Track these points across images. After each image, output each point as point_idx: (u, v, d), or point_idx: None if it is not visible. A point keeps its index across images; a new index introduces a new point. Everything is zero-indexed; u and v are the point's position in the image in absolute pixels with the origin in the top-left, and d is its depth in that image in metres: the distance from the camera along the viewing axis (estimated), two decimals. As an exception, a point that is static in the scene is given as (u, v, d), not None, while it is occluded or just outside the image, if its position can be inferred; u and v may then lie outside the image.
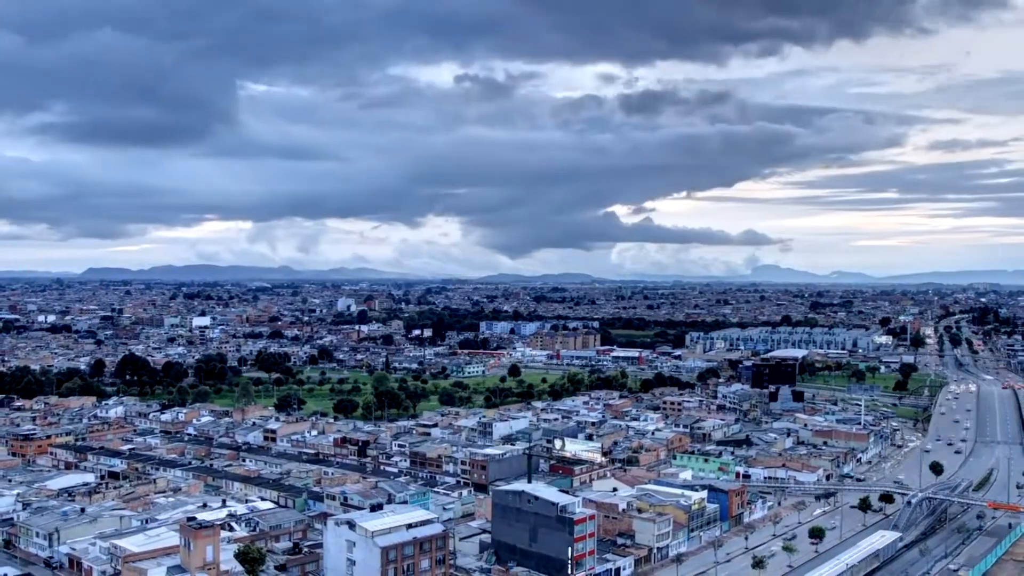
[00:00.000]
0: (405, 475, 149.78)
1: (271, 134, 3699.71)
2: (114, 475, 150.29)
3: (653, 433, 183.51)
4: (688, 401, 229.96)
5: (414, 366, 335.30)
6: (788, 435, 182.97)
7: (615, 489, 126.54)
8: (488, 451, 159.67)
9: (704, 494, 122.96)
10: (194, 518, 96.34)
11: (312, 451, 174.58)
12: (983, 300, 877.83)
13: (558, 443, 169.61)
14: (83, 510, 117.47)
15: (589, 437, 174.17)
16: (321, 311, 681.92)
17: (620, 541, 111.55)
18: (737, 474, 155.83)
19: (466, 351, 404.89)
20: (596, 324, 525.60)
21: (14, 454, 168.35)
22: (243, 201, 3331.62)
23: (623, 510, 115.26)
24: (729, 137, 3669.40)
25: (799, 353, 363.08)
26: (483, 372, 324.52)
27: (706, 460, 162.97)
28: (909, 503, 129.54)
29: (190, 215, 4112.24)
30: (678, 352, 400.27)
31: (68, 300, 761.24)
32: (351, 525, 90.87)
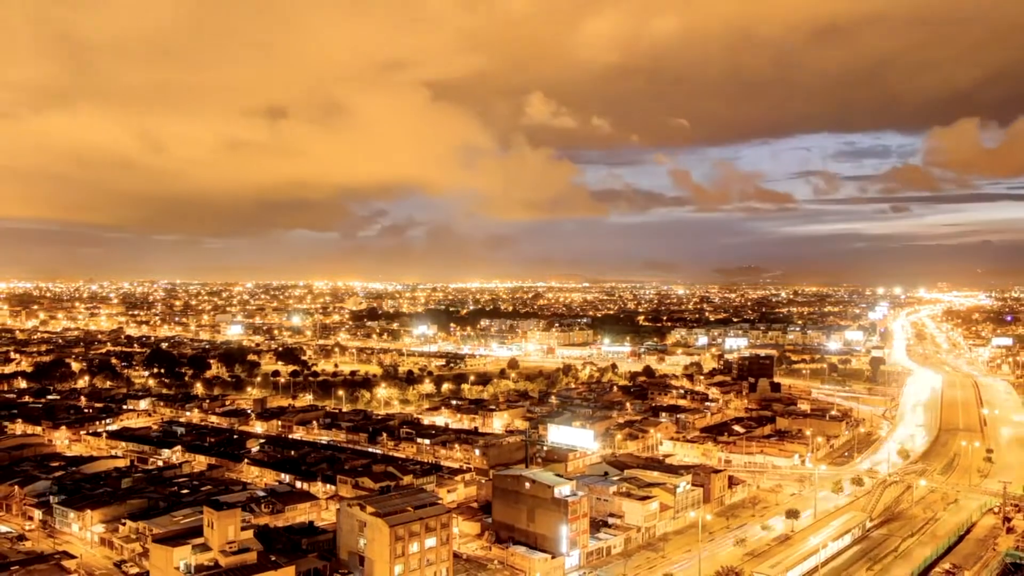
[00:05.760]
0: (412, 460, 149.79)
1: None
2: (143, 460, 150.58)
3: (641, 421, 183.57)
4: (673, 392, 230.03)
5: (420, 359, 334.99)
6: (765, 423, 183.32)
7: (606, 473, 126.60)
8: (489, 438, 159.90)
9: (688, 478, 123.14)
10: (217, 500, 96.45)
11: (326, 438, 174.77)
12: (944, 298, 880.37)
13: (554, 430, 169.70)
14: (114, 493, 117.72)
15: (582, 425, 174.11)
16: (334, 308, 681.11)
17: (610, 521, 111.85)
18: (719, 459, 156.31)
19: (468, 345, 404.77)
20: (588, 320, 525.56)
21: (50, 441, 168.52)
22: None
23: (613, 493, 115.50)
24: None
25: (776, 347, 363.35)
26: (484, 364, 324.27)
27: (690, 446, 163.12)
28: (878, 486, 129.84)
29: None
30: (663, 346, 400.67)
31: (98, 298, 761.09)
32: (362, 507, 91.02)
